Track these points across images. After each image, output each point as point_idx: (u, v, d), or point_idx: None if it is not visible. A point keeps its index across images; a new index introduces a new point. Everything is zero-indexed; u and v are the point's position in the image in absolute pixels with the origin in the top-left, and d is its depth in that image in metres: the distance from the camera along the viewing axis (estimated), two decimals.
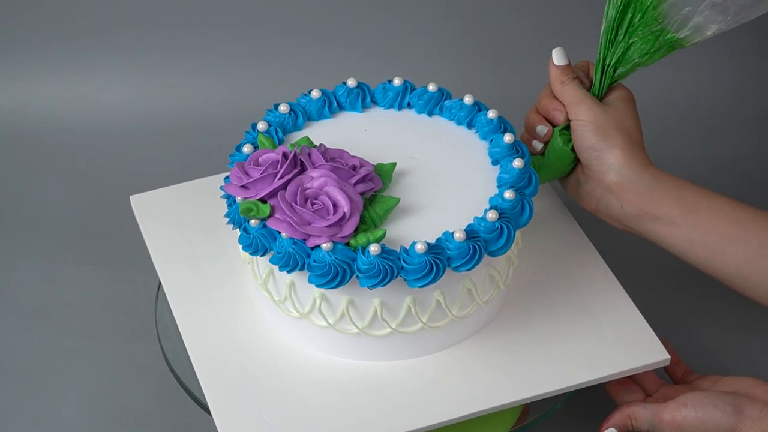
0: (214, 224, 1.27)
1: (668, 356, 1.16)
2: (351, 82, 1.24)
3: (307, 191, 1.11)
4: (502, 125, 1.20)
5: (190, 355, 1.17)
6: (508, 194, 1.12)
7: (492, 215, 1.10)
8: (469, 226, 1.10)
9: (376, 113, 1.24)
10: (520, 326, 1.18)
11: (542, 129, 1.24)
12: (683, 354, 1.26)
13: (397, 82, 1.24)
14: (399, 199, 1.13)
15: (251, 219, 1.11)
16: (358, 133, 1.21)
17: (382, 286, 1.08)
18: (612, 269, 1.25)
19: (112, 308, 1.40)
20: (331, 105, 1.23)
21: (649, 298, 1.29)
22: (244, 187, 1.13)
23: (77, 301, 1.41)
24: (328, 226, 1.09)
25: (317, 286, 1.09)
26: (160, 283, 1.28)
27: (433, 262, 1.07)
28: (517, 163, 1.14)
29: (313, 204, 1.10)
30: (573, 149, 1.24)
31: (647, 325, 1.18)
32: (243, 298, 1.22)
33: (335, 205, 1.10)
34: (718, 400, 1.12)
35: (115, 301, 1.41)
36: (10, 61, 1.65)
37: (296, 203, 1.10)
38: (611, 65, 1.24)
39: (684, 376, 1.22)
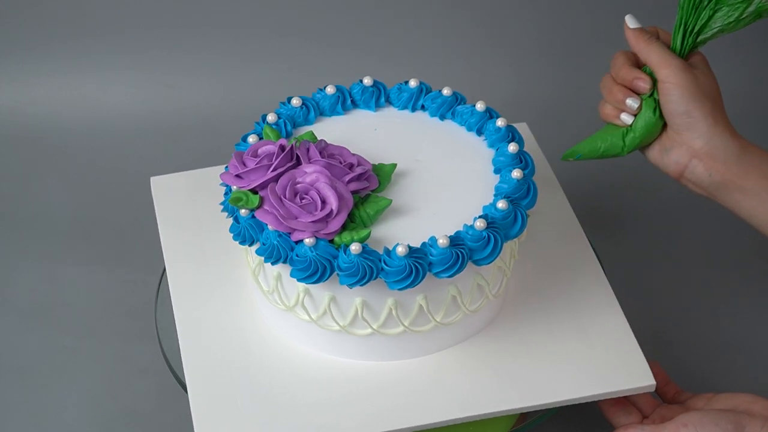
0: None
1: (653, 382, 1.13)
2: (367, 81, 1.23)
3: (298, 185, 1.11)
4: (510, 134, 1.18)
5: (178, 331, 1.18)
6: (501, 204, 1.11)
7: (480, 224, 1.09)
8: (457, 233, 1.10)
9: (390, 113, 1.24)
10: (508, 337, 1.17)
11: (633, 102, 1.20)
12: (679, 366, 1.25)
13: (412, 83, 1.23)
14: (391, 200, 1.13)
15: (241, 209, 1.12)
16: (368, 132, 1.21)
17: (361, 285, 1.08)
18: (613, 275, 1.24)
19: (112, 308, 1.41)
20: (345, 102, 1.23)
21: (647, 310, 1.28)
22: (238, 176, 1.13)
23: (77, 301, 1.41)
24: (313, 222, 1.09)
25: (298, 280, 1.09)
26: (160, 283, 1.28)
27: (413, 266, 1.07)
28: (516, 173, 1.13)
29: (302, 199, 1.10)
30: (662, 116, 1.20)
31: (638, 348, 1.16)
32: (242, 287, 1.22)
33: (324, 201, 1.10)
34: (719, 418, 1.11)
35: (115, 301, 1.41)
36: (10, 61, 1.65)
37: (285, 196, 1.10)
38: (694, 31, 1.20)
39: (675, 396, 1.20)
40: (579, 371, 1.14)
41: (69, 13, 1.65)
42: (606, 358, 1.15)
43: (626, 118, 1.22)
